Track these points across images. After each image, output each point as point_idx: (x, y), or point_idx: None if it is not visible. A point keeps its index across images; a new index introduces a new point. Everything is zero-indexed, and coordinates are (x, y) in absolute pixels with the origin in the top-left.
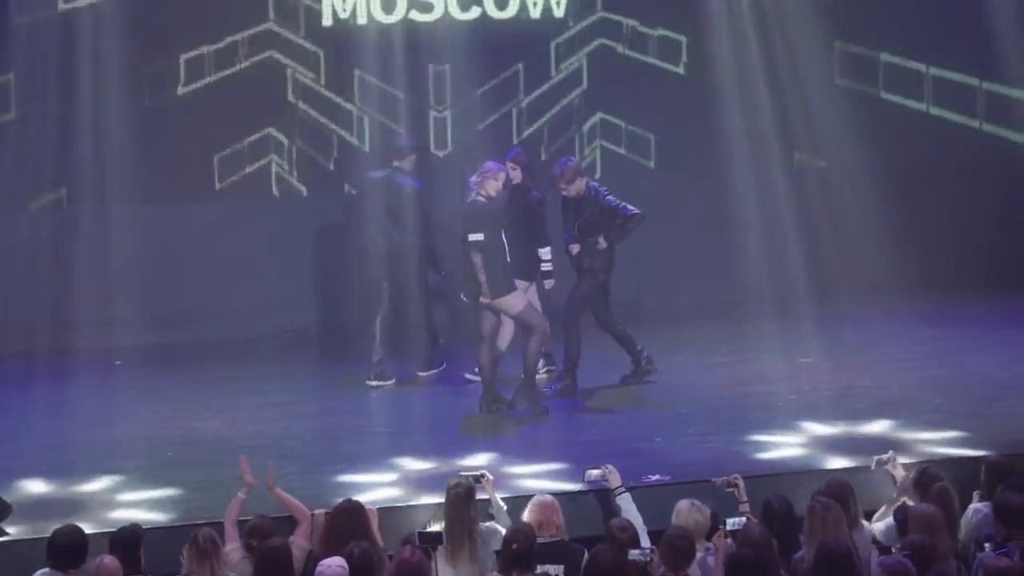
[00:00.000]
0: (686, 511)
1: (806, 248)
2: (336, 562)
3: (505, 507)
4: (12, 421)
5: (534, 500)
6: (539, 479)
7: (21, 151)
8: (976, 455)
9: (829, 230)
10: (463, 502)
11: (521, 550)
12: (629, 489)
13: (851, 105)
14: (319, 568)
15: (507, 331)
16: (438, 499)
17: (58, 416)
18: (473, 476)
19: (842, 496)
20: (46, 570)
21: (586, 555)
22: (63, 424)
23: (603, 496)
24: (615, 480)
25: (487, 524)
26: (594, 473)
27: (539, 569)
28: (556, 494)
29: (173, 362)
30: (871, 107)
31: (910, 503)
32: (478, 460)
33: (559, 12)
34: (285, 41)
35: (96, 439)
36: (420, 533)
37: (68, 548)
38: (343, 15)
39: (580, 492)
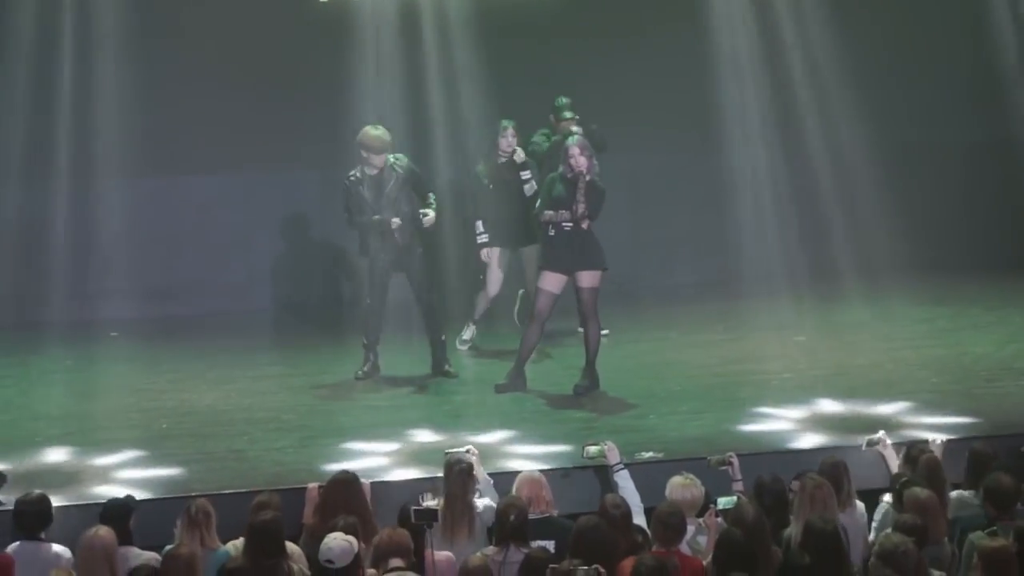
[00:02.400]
0: (680, 485)
1: (801, 227)
2: (342, 536)
3: (492, 482)
4: (8, 392)
5: (521, 476)
6: (534, 456)
7: (11, 122)
8: (970, 437)
9: (826, 209)
10: (466, 478)
11: (517, 522)
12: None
13: (851, 84)
14: (325, 543)
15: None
16: (431, 473)
17: (54, 387)
18: (460, 452)
19: (835, 475)
20: (19, 543)
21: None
22: (59, 395)
23: (601, 472)
24: (614, 457)
25: (481, 500)
26: (592, 450)
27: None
28: (550, 470)
29: (169, 334)
30: (870, 86)
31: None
32: (472, 436)
33: None
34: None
35: (92, 410)
36: (416, 510)
37: (34, 515)
38: None
39: (577, 468)
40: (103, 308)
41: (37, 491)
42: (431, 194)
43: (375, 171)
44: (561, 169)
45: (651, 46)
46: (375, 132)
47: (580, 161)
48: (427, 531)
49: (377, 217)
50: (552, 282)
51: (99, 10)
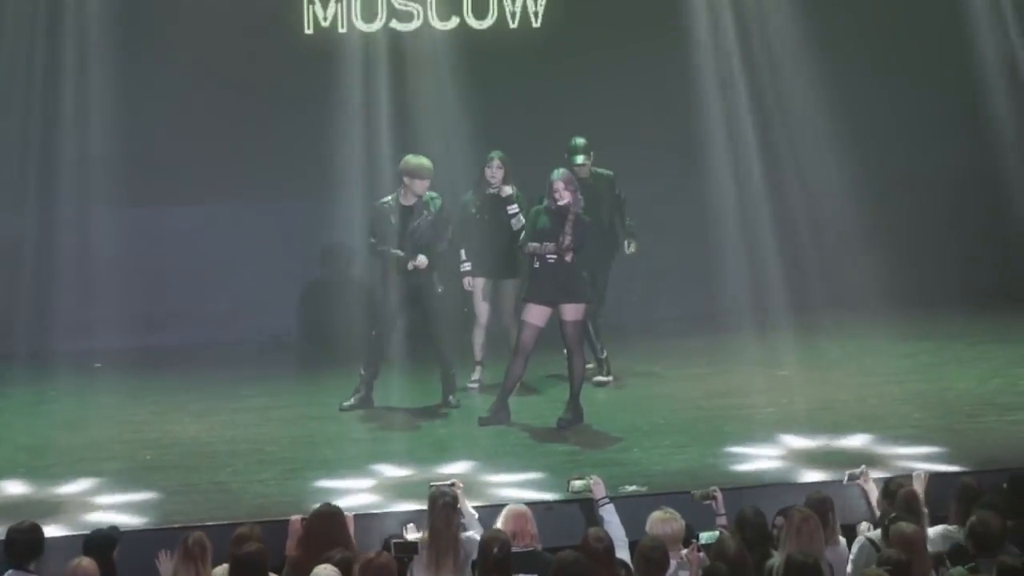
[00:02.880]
0: (660, 520)
1: (785, 260)
2: (328, 571)
3: (476, 515)
4: None
5: (507, 509)
6: (518, 488)
7: (7, 150)
8: (953, 471)
9: (810, 242)
10: (450, 511)
11: (500, 555)
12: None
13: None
14: (315, 573)
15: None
16: (413, 506)
17: (36, 417)
18: (444, 485)
19: (822, 510)
20: (10, 571)
21: None
22: (41, 426)
23: (585, 506)
24: (600, 491)
25: (465, 533)
26: (578, 484)
27: None
28: (534, 503)
29: (153, 365)
30: (851, 116)
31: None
32: (456, 468)
33: (536, 23)
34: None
35: (74, 441)
36: (395, 543)
37: (25, 544)
38: (324, 23)
39: (560, 501)
40: (87, 338)
41: (29, 521)
42: (443, 243)
43: (410, 201)
44: (546, 202)
45: (633, 70)
46: (418, 160)
47: (564, 195)
48: (408, 564)
49: (400, 253)
50: (536, 315)
51: (87, 38)
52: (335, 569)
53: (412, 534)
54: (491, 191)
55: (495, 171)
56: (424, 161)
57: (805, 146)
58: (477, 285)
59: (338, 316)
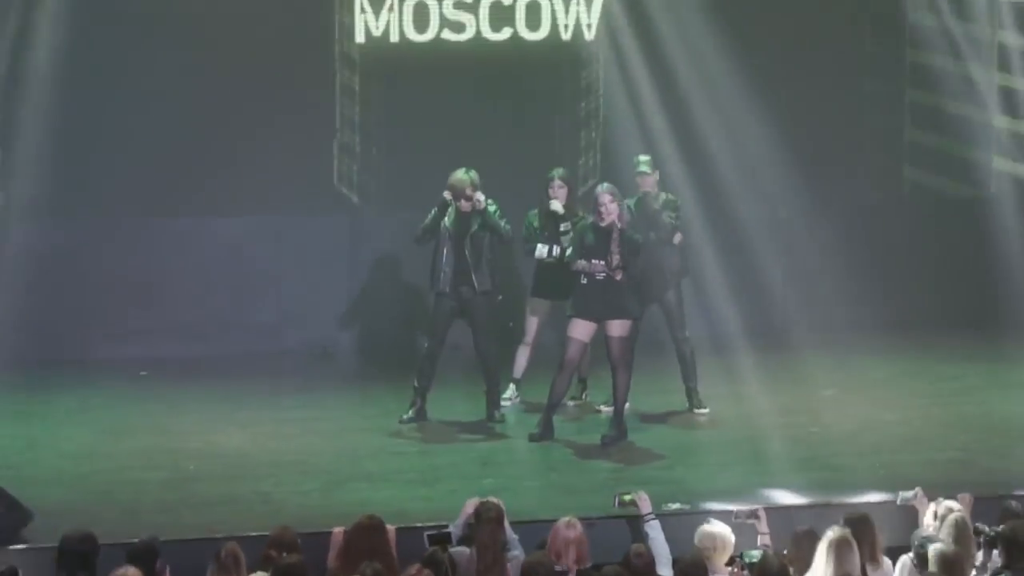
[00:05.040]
0: (708, 532)
1: (832, 281)
2: None
3: (516, 537)
4: (35, 429)
5: (557, 525)
6: (561, 507)
7: (55, 159)
8: (998, 496)
9: (858, 263)
10: (496, 525)
11: None
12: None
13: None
14: None
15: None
16: (456, 519)
17: (80, 425)
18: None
19: (860, 529)
20: None
21: None
22: (85, 433)
23: (631, 522)
24: (646, 507)
25: (510, 553)
26: (625, 499)
27: None
28: (578, 519)
29: (197, 375)
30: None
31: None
32: (498, 483)
33: (590, 35)
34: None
35: (118, 449)
36: (429, 535)
37: (80, 555)
38: (376, 32)
39: (604, 518)
40: (133, 347)
41: (83, 529)
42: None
43: (464, 209)
44: (592, 218)
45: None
46: (456, 175)
47: (611, 208)
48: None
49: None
50: (582, 330)
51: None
52: None
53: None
54: (552, 206)
55: (556, 190)
56: (462, 176)
57: (848, 166)
58: (531, 304)
59: (383, 328)
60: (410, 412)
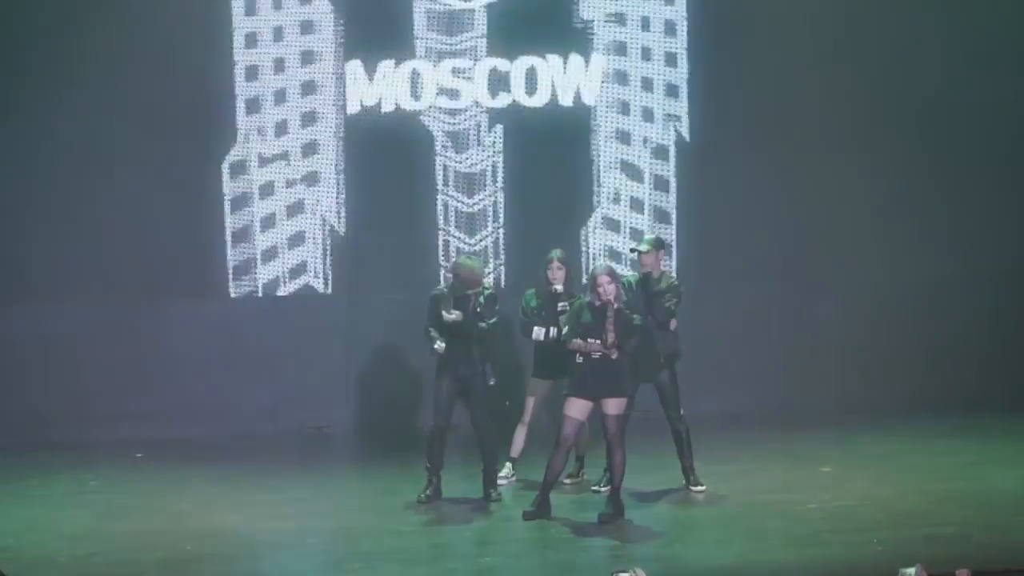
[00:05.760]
0: None
1: (825, 359)
2: None
3: None
4: (33, 511)
5: None
6: None
7: (46, 240)
8: (997, 570)
9: (851, 341)
10: None
11: None
12: None
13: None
14: None
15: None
16: None
17: (77, 507)
18: None
19: None
20: None
21: None
22: (82, 515)
23: None
24: None
25: None
26: None
27: None
28: None
29: (194, 456)
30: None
31: None
32: (495, 562)
33: (589, 100)
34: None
35: (114, 531)
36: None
37: None
38: (369, 102)
39: None
40: (128, 429)
41: None
42: (488, 322)
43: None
44: (589, 297)
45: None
46: (466, 263)
47: (608, 289)
48: None
49: (435, 338)
50: (578, 408)
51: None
52: None
53: None
54: (552, 290)
55: (555, 272)
56: (472, 264)
57: (849, 245)
58: (531, 385)
59: (378, 408)
60: (427, 491)
